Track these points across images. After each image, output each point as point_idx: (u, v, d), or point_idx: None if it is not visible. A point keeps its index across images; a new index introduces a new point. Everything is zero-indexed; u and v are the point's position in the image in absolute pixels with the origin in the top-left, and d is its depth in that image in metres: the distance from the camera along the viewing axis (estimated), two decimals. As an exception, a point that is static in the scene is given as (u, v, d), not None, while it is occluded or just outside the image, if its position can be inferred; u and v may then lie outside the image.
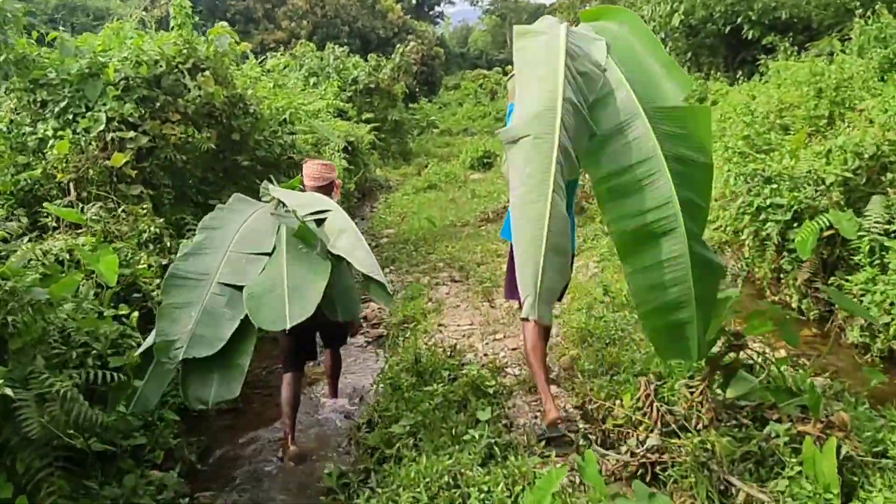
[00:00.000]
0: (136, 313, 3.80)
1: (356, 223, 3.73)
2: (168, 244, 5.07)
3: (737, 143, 6.72)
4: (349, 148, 13.37)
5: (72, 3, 31.59)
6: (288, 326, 3.03)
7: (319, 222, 3.53)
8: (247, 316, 3.14)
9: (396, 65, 19.43)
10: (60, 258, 3.91)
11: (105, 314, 3.64)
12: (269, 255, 3.44)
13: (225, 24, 7.01)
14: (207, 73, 6.07)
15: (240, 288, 3.24)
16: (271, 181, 4.28)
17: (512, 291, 3.72)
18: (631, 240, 2.66)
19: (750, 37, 13.80)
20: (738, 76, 12.76)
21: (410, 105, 26.66)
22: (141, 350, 3.27)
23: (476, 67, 43.00)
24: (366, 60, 19.27)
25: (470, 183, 14.02)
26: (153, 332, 3.16)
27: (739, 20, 14.12)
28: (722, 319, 3.01)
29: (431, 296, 6.55)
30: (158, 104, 5.71)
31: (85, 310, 3.52)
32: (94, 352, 3.33)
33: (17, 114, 5.56)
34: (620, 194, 2.65)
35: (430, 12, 52.60)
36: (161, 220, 5.33)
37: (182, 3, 6.15)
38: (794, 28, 13.50)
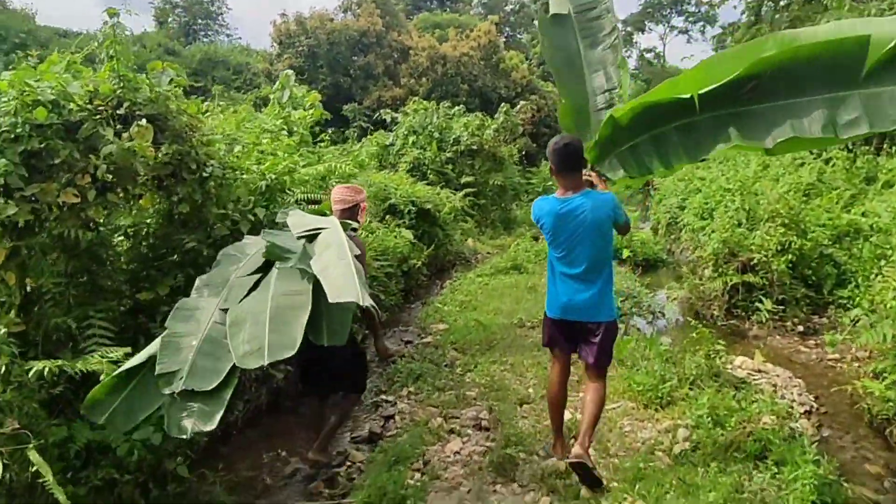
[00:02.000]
0: None
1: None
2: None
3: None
4: (424, 216, 11.59)
5: (215, 58, 32.87)
6: (266, 362, 2.90)
7: (312, 239, 3.52)
8: None
9: (500, 125, 17.62)
10: None
11: None
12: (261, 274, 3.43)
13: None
14: (143, 121, 4.40)
15: None
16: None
17: None
18: None
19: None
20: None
21: (529, 169, 24.85)
22: (124, 368, 3.13)
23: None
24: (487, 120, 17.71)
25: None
26: (142, 353, 3.16)
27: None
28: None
29: (429, 457, 4.41)
30: (59, 161, 4.09)
31: None
32: None
33: None
34: None
35: (568, 75, 51.02)
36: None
37: (113, 31, 4.51)
38: None
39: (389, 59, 27.15)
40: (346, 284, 2.98)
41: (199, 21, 48.36)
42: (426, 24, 36.13)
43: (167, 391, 2.89)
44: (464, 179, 16.36)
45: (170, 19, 45.44)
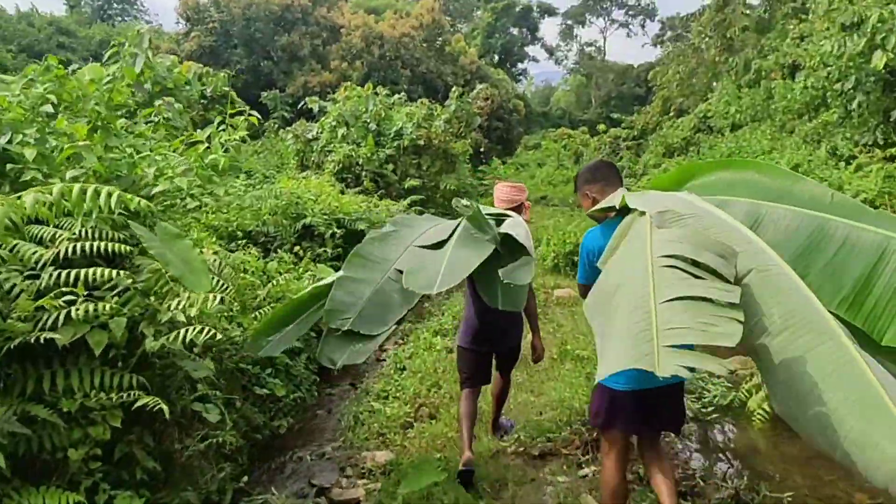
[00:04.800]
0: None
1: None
2: None
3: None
4: (355, 240, 8.05)
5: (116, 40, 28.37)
6: (434, 291, 3.09)
7: (499, 223, 3.58)
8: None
9: (453, 114, 14.10)
10: None
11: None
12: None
13: None
14: None
15: None
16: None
17: None
18: None
19: None
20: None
21: (480, 167, 21.50)
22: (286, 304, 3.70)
23: (559, 127, 38.17)
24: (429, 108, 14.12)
25: (553, 306, 8.39)
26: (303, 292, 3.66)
27: None
28: None
29: None
30: None
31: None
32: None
33: None
34: None
35: (513, 69, 48.55)
36: None
37: None
38: None
39: (317, 39, 23.30)
40: (528, 244, 3.28)
41: (115, 5, 45.85)
42: (359, 9, 32.26)
43: (334, 326, 3.10)
44: (408, 183, 12.85)
45: (82, 2, 41.74)
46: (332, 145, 13.10)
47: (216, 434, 3.96)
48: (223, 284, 4.21)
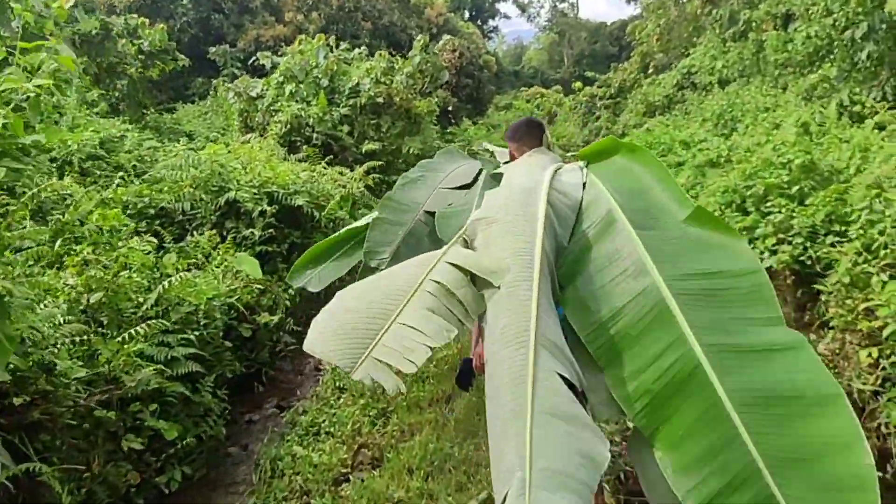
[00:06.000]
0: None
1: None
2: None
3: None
4: (292, 218, 6.66)
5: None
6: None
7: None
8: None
9: (416, 68, 12.53)
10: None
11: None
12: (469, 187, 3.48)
13: None
14: None
15: None
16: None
17: None
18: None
19: None
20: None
21: (449, 129, 19.96)
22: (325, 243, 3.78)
23: (531, 87, 36.73)
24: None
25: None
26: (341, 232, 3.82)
27: None
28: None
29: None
30: None
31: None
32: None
33: None
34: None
35: (484, 26, 46.73)
36: None
37: None
38: None
39: (270, -11, 21.37)
40: None
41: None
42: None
43: (372, 264, 3.16)
44: (366, 147, 11.35)
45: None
46: (278, 104, 11.52)
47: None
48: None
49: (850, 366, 4.29)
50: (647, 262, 2.07)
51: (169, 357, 3.99)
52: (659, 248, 2.12)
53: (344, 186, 8.33)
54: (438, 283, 2.11)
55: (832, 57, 11.76)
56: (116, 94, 15.03)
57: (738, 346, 1.84)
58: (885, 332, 3.76)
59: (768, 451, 1.63)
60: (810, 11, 13.62)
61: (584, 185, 2.58)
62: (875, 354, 3.89)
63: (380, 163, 10.74)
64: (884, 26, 9.66)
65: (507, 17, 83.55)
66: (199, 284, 4.57)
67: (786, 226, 6.89)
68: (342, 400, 4.50)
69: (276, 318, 5.33)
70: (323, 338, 2.02)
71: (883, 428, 3.90)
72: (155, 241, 5.03)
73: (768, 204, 7.31)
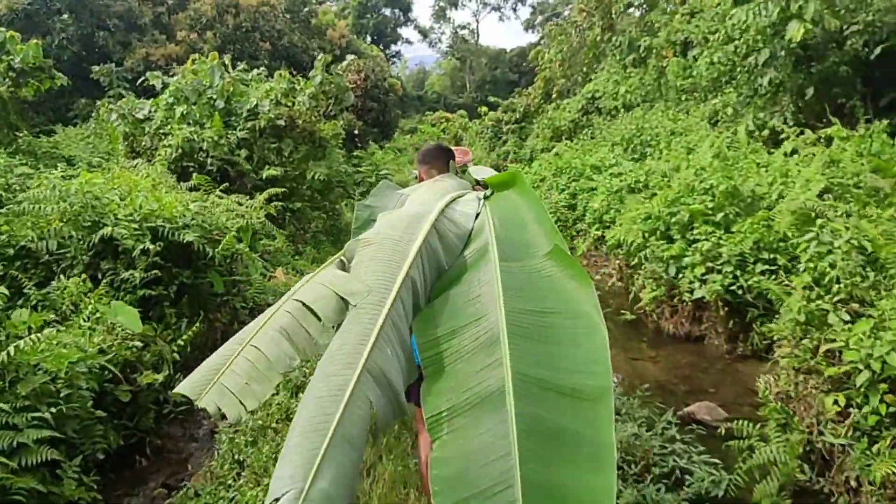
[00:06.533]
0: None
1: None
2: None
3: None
4: (181, 257, 5.84)
5: None
6: None
7: None
8: None
9: (319, 88, 11.85)
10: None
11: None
12: None
13: None
14: None
15: None
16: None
17: None
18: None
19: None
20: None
21: (355, 153, 19.27)
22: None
23: (436, 111, 36.75)
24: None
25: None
26: None
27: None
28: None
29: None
30: None
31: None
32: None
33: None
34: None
35: (387, 50, 46.62)
36: None
37: None
38: None
39: (161, 7, 20.12)
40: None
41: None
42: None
43: None
44: (267, 172, 10.53)
45: None
46: (168, 126, 10.54)
47: None
48: None
49: (808, 412, 3.94)
50: (497, 291, 2.15)
51: (15, 444, 3.14)
52: (514, 281, 2.21)
53: (242, 216, 7.52)
54: (299, 301, 2.16)
55: (734, 83, 11.99)
56: (-18, 115, 13.51)
57: (544, 382, 1.91)
58: (858, 381, 3.40)
59: (528, 477, 1.69)
60: (710, 39, 13.94)
61: (476, 215, 2.63)
62: (843, 402, 3.54)
63: (282, 189, 9.96)
64: (783, 53, 9.82)
65: (409, 42, 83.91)
66: (59, 345, 3.72)
67: (714, 254, 6.67)
68: (242, 479, 3.74)
69: (160, 377, 4.51)
70: (193, 374, 2.05)
71: (852, 482, 3.55)
72: (4, 291, 4.12)
73: (694, 231, 7.12)
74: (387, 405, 1.94)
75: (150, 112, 11.16)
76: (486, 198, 2.81)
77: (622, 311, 7.85)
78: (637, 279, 7.93)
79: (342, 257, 2.40)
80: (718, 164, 8.05)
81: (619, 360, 6.96)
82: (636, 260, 7.82)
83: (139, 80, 16.93)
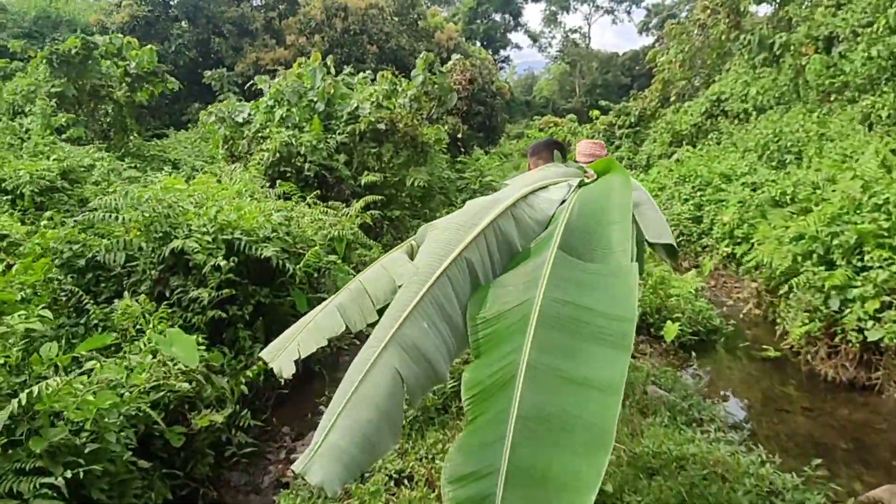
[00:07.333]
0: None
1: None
2: None
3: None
4: (260, 272, 5.22)
5: (57, 18, 25.04)
6: None
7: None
8: None
9: (421, 89, 11.15)
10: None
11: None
12: None
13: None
14: None
15: None
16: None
17: None
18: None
19: None
20: None
21: (459, 159, 18.56)
22: None
23: (543, 116, 35.66)
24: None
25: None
26: None
27: None
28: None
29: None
30: None
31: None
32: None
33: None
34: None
35: (496, 56, 46.02)
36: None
37: None
38: None
39: (272, 11, 20.25)
40: (663, 230, 3.01)
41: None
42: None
43: None
44: (366, 178, 9.96)
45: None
46: (266, 130, 10.17)
47: None
48: None
49: None
50: (543, 279, 2.18)
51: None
52: (563, 272, 2.22)
53: (332, 227, 6.89)
54: (360, 281, 2.51)
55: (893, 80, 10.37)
56: (101, 119, 13.82)
57: (560, 371, 1.95)
58: None
59: (516, 461, 1.76)
60: (860, 33, 12.23)
61: (563, 201, 2.64)
62: None
63: (380, 197, 9.31)
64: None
65: (518, 47, 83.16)
66: (93, 384, 3.10)
67: (893, 285, 5.42)
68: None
69: (220, 418, 3.85)
70: (274, 342, 2.57)
71: None
72: (48, 315, 3.58)
73: (864, 257, 5.86)
74: (420, 374, 2.06)
75: (249, 115, 10.86)
76: (580, 185, 2.80)
77: (763, 346, 6.63)
78: (783, 308, 6.69)
79: (412, 241, 2.56)
80: (883, 175, 6.68)
81: (760, 410, 5.80)
82: (783, 286, 6.59)
83: (247, 84, 17.06)
